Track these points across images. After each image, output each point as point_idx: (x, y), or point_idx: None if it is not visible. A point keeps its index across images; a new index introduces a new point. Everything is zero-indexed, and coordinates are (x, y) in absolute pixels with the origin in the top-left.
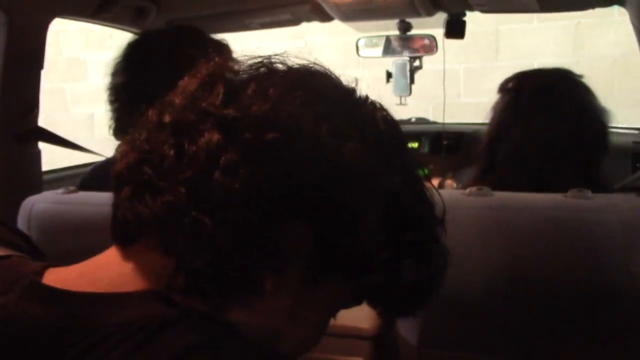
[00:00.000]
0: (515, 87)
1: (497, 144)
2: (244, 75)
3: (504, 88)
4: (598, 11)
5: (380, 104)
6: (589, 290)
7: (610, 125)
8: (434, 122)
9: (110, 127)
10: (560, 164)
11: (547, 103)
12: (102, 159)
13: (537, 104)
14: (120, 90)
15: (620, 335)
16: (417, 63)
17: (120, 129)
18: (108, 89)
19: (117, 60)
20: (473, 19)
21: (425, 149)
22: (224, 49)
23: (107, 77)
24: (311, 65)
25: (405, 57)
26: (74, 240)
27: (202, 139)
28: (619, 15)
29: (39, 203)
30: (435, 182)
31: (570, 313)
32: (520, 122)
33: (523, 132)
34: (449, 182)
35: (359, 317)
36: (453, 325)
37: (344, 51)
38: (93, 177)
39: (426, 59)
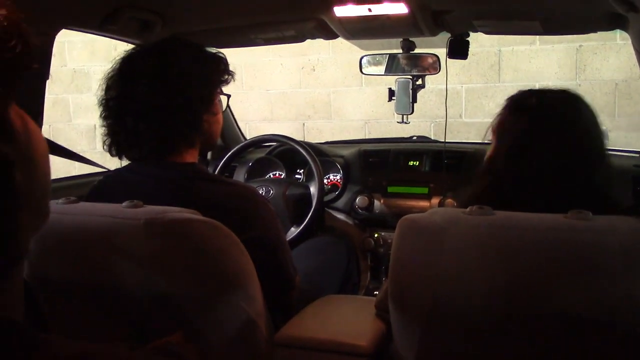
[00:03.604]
0: (536, 105)
1: (517, 161)
2: None
3: (518, 106)
4: (600, 35)
5: None
6: (588, 312)
7: (611, 147)
8: (436, 141)
9: (104, 142)
10: (577, 185)
11: (563, 124)
12: (103, 170)
13: (555, 125)
14: (111, 105)
15: (619, 355)
16: (419, 82)
17: (113, 144)
18: (101, 104)
19: (110, 75)
20: (476, 40)
21: (426, 168)
22: (220, 61)
23: (101, 91)
24: None
25: (408, 75)
26: (75, 250)
27: None
28: (620, 39)
29: None
30: (436, 200)
31: (569, 334)
32: (544, 142)
33: (552, 151)
34: (449, 201)
35: (356, 334)
36: (451, 344)
37: (347, 69)
38: (102, 187)
39: (429, 79)
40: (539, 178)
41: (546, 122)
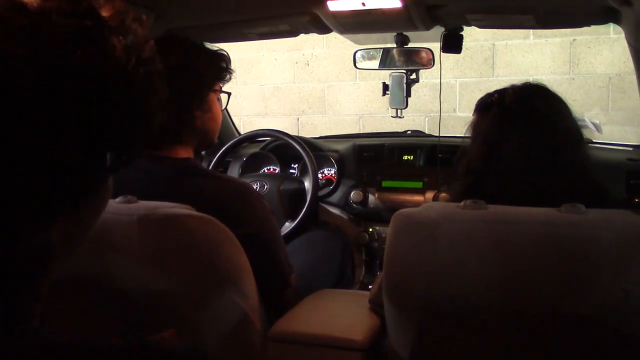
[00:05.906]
0: (497, 102)
1: (490, 159)
2: None
3: (483, 106)
4: (594, 29)
5: None
6: (582, 307)
7: (604, 141)
8: (430, 135)
9: None
10: (559, 174)
11: (526, 115)
12: None
13: (518, 117)
14: None
15: (614, 351)
16: (413, 76)
17: None
18: None
19: None
20: (470, 34)
21: (421, 162)
22: (217, 58)
23: None
24: None
25: (402, 70)
26: None
27: None
28: (614, 33)
29: None
30: (430, 195)
31: (564, 329)
32: (511, 136)
33: (518, 145)
34: (443, 195)
35: (351, 328)
36: (445, 340)
37: (341, 63)
38: None
39: (423, 73)
40: (513, 171)
41: (509, 115)
